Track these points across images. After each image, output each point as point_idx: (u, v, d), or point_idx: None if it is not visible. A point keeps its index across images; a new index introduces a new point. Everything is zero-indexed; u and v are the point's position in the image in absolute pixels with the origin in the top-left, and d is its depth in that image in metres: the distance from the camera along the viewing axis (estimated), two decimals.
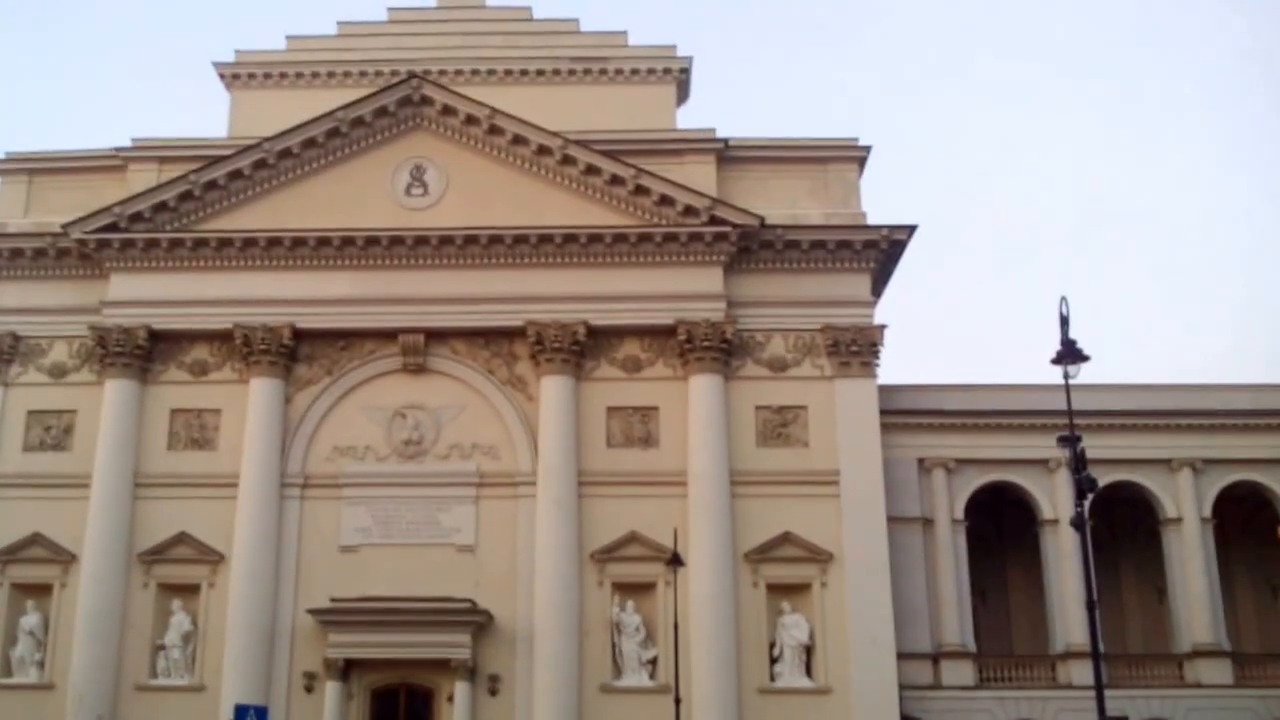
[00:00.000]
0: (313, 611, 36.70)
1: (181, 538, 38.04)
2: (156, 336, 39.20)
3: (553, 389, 38.32)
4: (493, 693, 36.48)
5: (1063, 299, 25.30)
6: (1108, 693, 25.33)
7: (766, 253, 39.26)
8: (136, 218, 39.31)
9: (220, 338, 39.35)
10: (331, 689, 36.15)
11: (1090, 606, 24.92)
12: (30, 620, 37.99)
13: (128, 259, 39.44)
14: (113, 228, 39.24)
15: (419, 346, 38.99)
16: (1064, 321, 25.35)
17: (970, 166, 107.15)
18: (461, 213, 39.39)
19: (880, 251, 39.41)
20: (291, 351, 39.11)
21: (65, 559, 38.07)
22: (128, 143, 41.12)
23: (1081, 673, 35.65)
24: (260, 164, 39.71)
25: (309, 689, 36.58)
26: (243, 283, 39.20)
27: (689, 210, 38.76)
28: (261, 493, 37.86)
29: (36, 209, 40.91)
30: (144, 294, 39.24)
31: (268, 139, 39.58)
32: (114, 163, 41.03)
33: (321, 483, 38.50)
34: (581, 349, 38.59)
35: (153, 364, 39.42)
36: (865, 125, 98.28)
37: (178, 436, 39.17)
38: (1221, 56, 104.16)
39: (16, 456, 39.16)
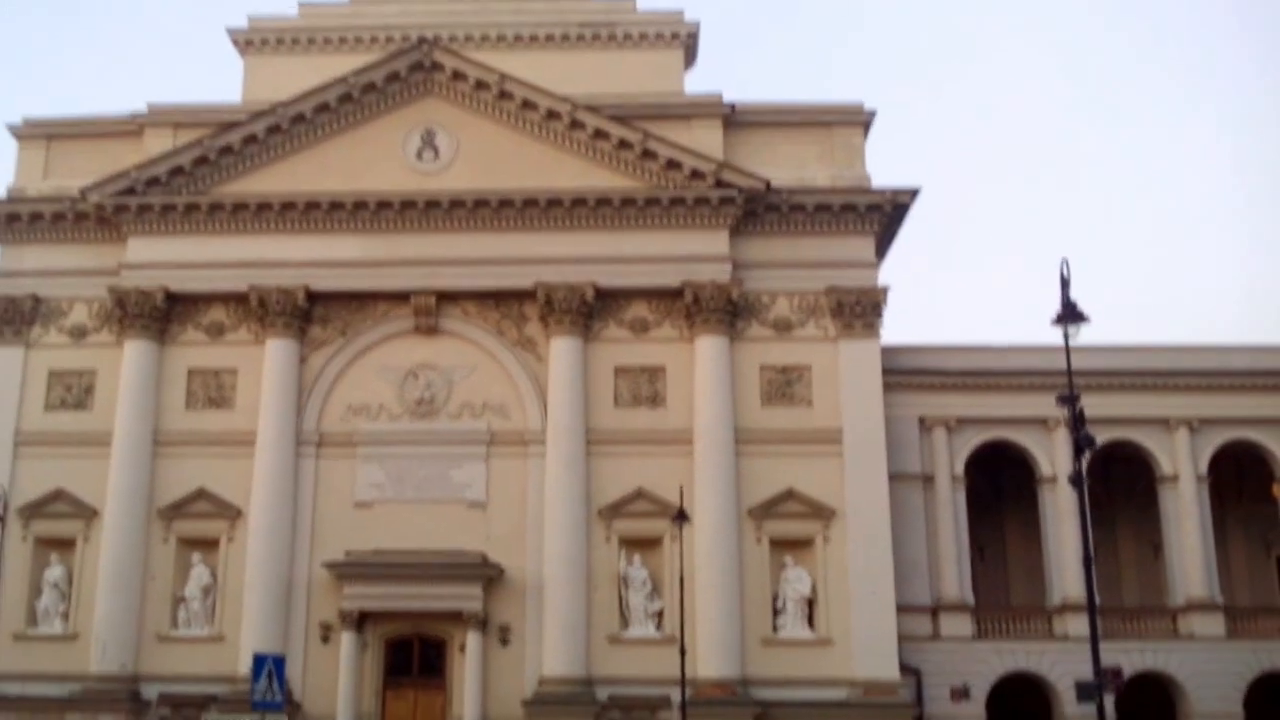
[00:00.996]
0: (328, 565, 37.72)
1: (200, 494, 39.07)
2: (174, 298, 40.01)
3: (562, 349, 39.07)
4: (504, 642, 37.52)
5: (1064, 261, 25.70)
6: (1103, 644, 25.73)
7: (772, 216, 39.86)
8: (153, 182, 40.05)
9: (236, 299, 40.14)
10: (347, 639, 37.21)
11: (1087, 561, 25.39)
12: (54, 573, 39.09)
13: (145, 222, 40.19)
14: (130, 192, 39.99)
15: (430, 308, 39.73)
16: (1065, 283, 25.67)
17: (974, 130, 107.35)
18: (472, 176, 40.04)
19: (884, 214, 39.97)
20: (306, 313, 39.90)
21: (87, 514, 39.13)
22: (144, 109, 41.73)
23: (1077, 625, 36.48)
24: (274, 129, 40.35)
25: (325, 639, 37.66)
26: (258, 246, 39.94)
27: (696, 174, 39.34)
28: (278, 450, 38.79)
29: (55, 173, 41.61)
30: (161, 257, 40.04)
31: (281, 104, 40.19)
32: (130, 128, 41.68)
33: (336, 441, 39.42)
34: (590, 310, 39.30)
35: (170, 325, 40.28)
36: (870, 90, 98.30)
37: (196, 396, 40.08)
38: (1227, 19, 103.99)
39: (39, 415, 40.11)
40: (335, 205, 39.73)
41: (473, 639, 37.18)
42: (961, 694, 38.11)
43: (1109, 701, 29.84)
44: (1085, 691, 27.38)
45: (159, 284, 39.75)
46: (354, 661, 37.17)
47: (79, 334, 40.76)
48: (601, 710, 36.51)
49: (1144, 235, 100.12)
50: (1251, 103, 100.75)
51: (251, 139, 40.29)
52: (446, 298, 39.88)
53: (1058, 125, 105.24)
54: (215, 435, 39.47)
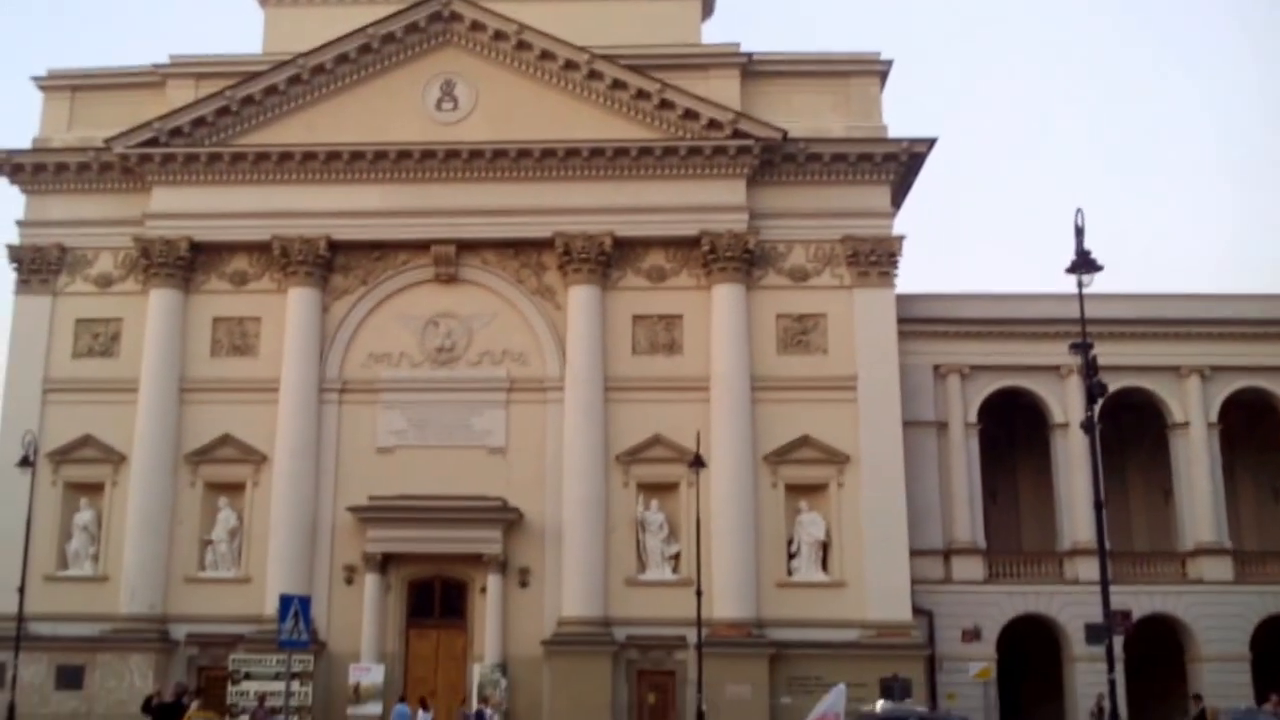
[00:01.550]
0: (352, 509, 38.45)
1: (226, 439, 39.75)
2: (197, 248, 40.50)
3: (580, 298, 39.53)
4: (523, 584, 38.28)
5: (1078, 210, 26.01)
6: (1112, 588, 26.17)
7: (789, 166, 40.08)
8: (176, 133, 40.44)
9: (259, 249, 40.60)
10: (370, 581, 38.07)
11: (1098, 506, 25.77)
12: (84, 517, 39.90)
13: (168, 173, 40.63)
14: (153, 142, 40.37)
15: (450, 257, 40.17)
16: (1079, 232, 26.00)
17: (991, 79, 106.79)
18: (491, 127, 40.31)
19: (900, 164, 40.15)
20: (328, 262, 40.38)
21: (115, 459, 39.86)
22: (166, 60, 42.00)
23: (1087, 569, 36.97)
24: (295, 80, 40.65)
25: (349, 581, 38.47)
26: (280, 196, 40.36)
27: (713, 124, 39.53)
28: (301, 397, 39.44)
29: (80, 124, 41.95)
30: (185, 207, 40.51)
31: (301, 55, 40.42)
32: (153, 79, 41.96)
33: (358, 388, 40.02)
34: (608, 259, 39.69)
35: (194, 274, 40.79)
36: (887, 39, 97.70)
37: (220, 343, 40.65)
38: None
39: (66, 363, 40.74)
40: (356, 155, 40.06)
41: (493, 581, 37.96)
42: (973, 635, 38.75)
43: (1118, 643, 30.59)
44: (1095, 633, 27.94)
45: (183, 233, 40.23)
46: (378, 603, 38.02)
47: (105, 283, 41.32)
48: (619, 650, 37.31)
49: (1160, 184, 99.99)
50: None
51: (273, 90, 40.58)
52: (466, 247, 40.27)
53: (1075, 74, 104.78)
54: (240, 382, 40.06)
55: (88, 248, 41.40)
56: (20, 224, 41.88)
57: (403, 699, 34.56)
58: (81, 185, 41.58)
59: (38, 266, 41.15)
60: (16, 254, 41.38)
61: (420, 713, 31.69)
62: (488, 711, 31.59)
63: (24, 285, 41.31)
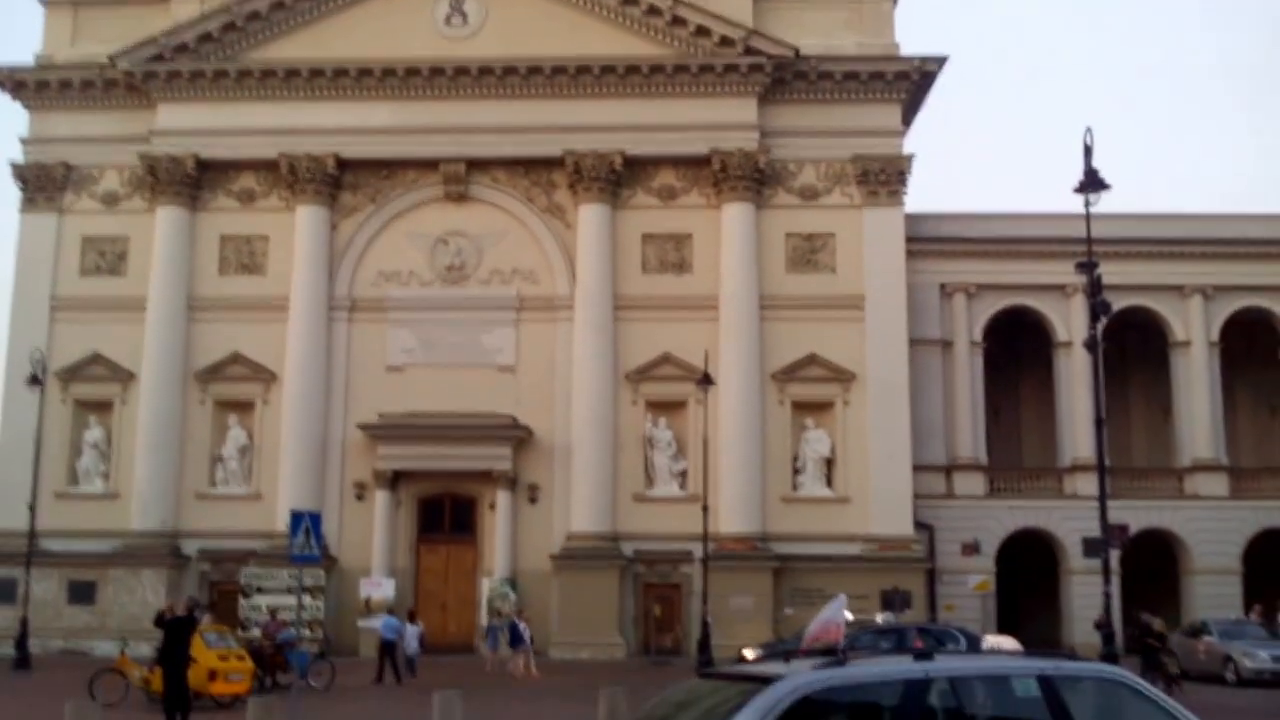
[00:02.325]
0: (362, 426, 38.73)
1: (235, 358, 39.87)
2: (204, 165, 40.27)
3: (590, 216, 39.53)
4: (532, 500, 38.77)
5: (1087, 129, 26.11)
6: (1110, 503, 26.42)
7: (800, 83, 39.95)
8: (181, 49, 40.00)
9: (266, 166, 40.39)
10: (381, 497, 38.47)
11: (1098, 422, 26.01)
12: (94, 434, 40.09)
13: (174, 89, 40.28)
14: (158, 59, 39.96)
15: (460, 175, 40.05)
16: (1088, 151, 26.07)
17: None
18: (500, 43, 39.96)
19: (911, 83, 40.08)
20: (336, 180, 40.24)
21: (124, 377, 40.00)
22: None
23: (1086, 484, 37.28)
24: None
25: (360, 497, 38.87)
26: (287, 112, 40.06)
27: (725, 41, 39.31)
28: (310, 315, 39.50)
29: (83, 40, 41.43)
30: (191, 124, 40.20)
31: None
32: None
33: (368, 306, 40.10)
34: (618, 178, 39.65)
35: (201, 192, 40.60)
36: None
37: (228, 262, 40.59)
38: None
39: (74, 281, 40.68)
40: (364, 72, 39.76)
41: (502, 497, 38.41)
42: (972, 549, 39.47)
43: (1114, 557, 31.24)
44: (1092, 547, 28.42)
45: (189, 151, 39.98)
46: (388, 518, 38.45)
47: (111, 200, 41.12)
48: (627, 564, 37.91)
49: (1169, 106, 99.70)
50: None
51: (279, 5, 40.09)
52: (476, 165, 40.15)
53: None
54: (248, 300, 40.05)
55: (93, 165, 41.11)
56: (25, 141, 41.59)
57: (390, 611, 34.27)
58: (86, 102, 41.18)
59: (43, 184, 40.91)
60: (21, 171, 41.12)
61: (408, 625, 32.05)
62: (521, 625, 32.17)
63: (29, 203, 41.10)
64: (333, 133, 39.91)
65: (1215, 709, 20.77)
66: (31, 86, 41.04)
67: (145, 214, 40.52)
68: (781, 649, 21.41)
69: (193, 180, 40.22)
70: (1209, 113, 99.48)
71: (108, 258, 40.93)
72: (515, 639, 31.89)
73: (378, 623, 32.34)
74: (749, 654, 26.98)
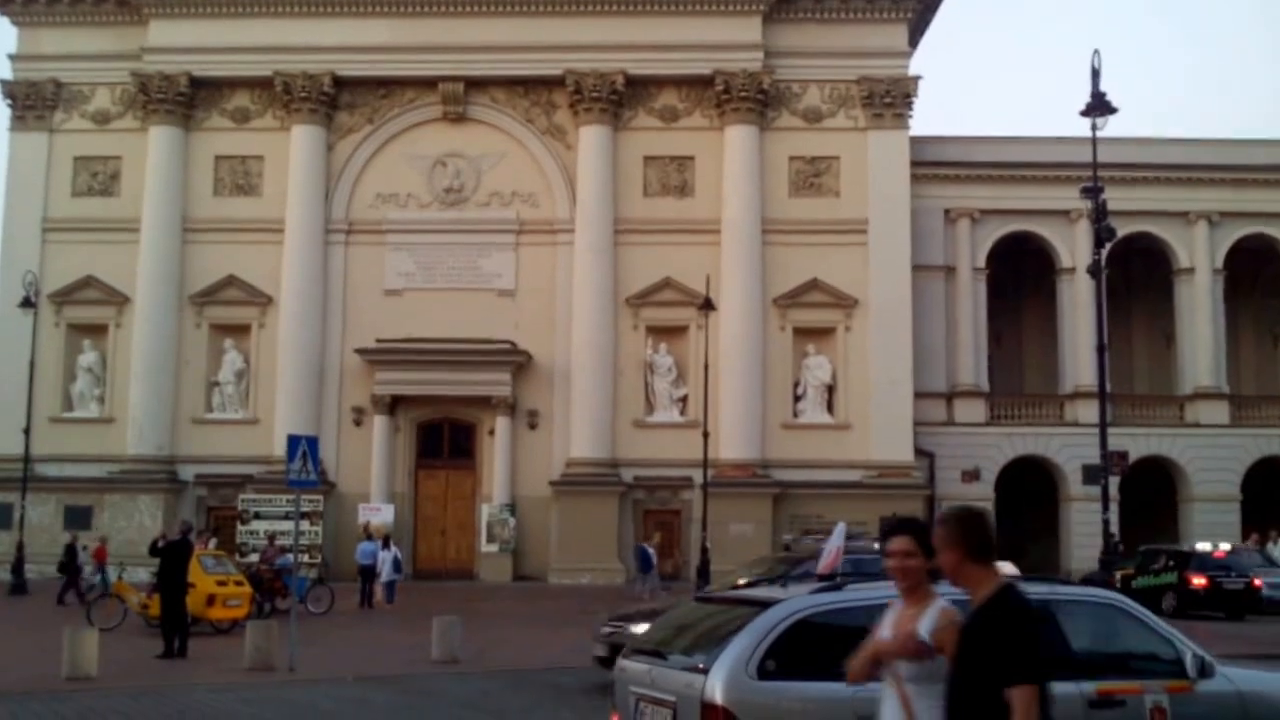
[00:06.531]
0: (360, 351, 38.41)
1: (230, 280, 39.41)
2: (198, 83, 39.50)
3: (591, 138, 38.92)
4: (532, 426, 38.59)
5: (1095, 52, 25.73)
6: (1111, 430, 26.43)
7: (805, 2, 39.18)
8: None
9: (261, 85, 39.64)
10: (379, 422, 38.21)
11: (1100, 349, 25.92)
12: (88, 358, 39.71)
13: (166, 4, 39.40)
14: None
15: (459, 95, 39.34)
16: (1095, 74, 25.73)
17: None
18: None
19: (918, 2, 39.39)
20: (332, 99, 39.52)
21: (118, 300, 39.53)
22: None
23: (1087, 411, 37.23)
24: None
25: (358, 423, 38.65)
26: (282, 29, 39.20)
27: None
28: (307, 238, 38.98)
29: None
30: (184, 40, 39.36)
31: None
32: None
33: (365, 229, 39.58)
34: (620, 98, 39.00)
35: (195, 111, 39.89)
36: None
37: (223, 182, 39.99)
38: None
39: (65, 201, 40.03)
40: None
41: (501, 423, 38.20)
42: (972, 476, 39.46)
43: (1113, 484, 31.23)
44: (1091, 474, 28.48)
45: (182, 69, 39.18)
46: (387, 444, 38.23)
47: (103, 119, 40.37)
48: (626, 490, 37.86)
49: (1184, 29, 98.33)
50: None
51: None
52: (475, 85, 39.46)
53: None
54: (244, 222, 39.47)
55: (84, 83, 40.31)
56: (13, 58, 40.74)
57: (369, 537, 33.89)
58: (76, 18, 40.29)
59: (33, 102, 40.11)
60: (10, 89, 40.33)
61: (381, 550, 31.74)
62: (649, 549, 32.30)
63: (19, 122, 40.35)
64: (329, 50, 39.10)
65: (1208, 635, 20.64)
66: (19, 1, 40.07)
67: (138, 133, 39.80)
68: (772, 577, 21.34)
69: (186, 99, 39.48)
70: (1225, 36, 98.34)
71: (100, 178, 40.28)
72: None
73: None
74: (741, 580, 26.90)
